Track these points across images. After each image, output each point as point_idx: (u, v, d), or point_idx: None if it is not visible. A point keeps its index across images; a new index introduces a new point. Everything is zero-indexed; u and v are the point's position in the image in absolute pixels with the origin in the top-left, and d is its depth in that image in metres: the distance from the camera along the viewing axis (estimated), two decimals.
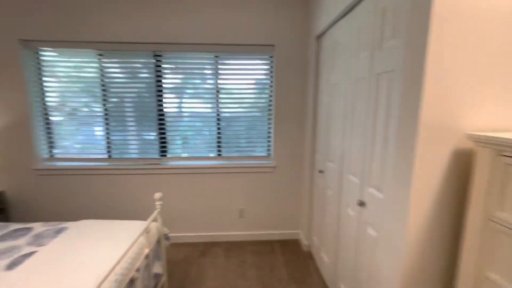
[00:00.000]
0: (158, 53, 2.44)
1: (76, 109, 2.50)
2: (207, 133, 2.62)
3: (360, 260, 1.48)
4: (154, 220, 1.81)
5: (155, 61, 2.45)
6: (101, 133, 2.55)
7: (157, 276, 1.77)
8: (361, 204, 1.44)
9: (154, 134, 2.57)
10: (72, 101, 2.48)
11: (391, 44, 1.17)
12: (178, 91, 2.55)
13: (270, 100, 2.59)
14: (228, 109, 2.58)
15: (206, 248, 2.60)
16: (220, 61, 2.50)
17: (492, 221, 0.85)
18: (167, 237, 1.97)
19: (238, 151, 2.67)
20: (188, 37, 2.37)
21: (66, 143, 2.55)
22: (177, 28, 2.35)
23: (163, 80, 2.50)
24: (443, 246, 1.07)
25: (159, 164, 2.59)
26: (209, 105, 2.56)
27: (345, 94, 1.70)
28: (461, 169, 1.01)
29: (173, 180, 2.59)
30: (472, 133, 0.92)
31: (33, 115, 2.42)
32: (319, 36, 2.22)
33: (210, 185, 2.63)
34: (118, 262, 1.23)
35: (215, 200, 2.66)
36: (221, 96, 2.55)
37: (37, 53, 2.38)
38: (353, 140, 1.58)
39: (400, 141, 1.10)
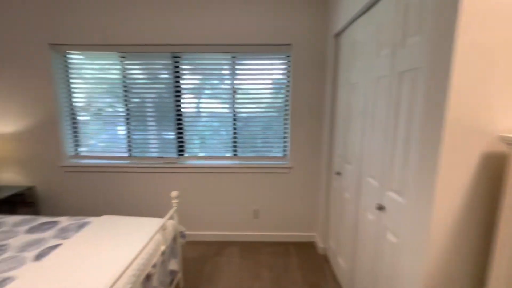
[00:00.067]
0: (176, 55, 2.50)
1: (101, 109, 2.62)
2: (224, 133, 2.64)
3: (379, 266, 1.42)
4: (171, 218, 1.84)
5: (173, 62, 2.51)
6: (123, 132, 2.65)
7: (172, 272, 1.80)
8: (380, 208, 1.38)
9: (173, 133, 2.63)
10: (97, 102, 2.60)
11: (414, 41, 1.11)
12: (195, 91, 2.59)
13: (287, 100, 2.56)
14: (245, 109, 2.58)
15: (221, 247, 2.61)
16: (237, 61, 2.51)
17: None
18: (183, 235, 2.00)
19: (254, 151, 2.66)
20: (205, 38, 2.41)
21: (91, 142, 2.68)
22: (195, 30, 2.39)
23: (181, 81, 2.55)
24: (470, 255, 1.00)
25: (177, 163, 2.64)
26: (226, 105, 2.58)
27: (364, 93, 1.64)
28: (492, 173, 0.94)
29: (190, 179, 2.64)
30: (506, 135, 0.85)
31: (61, 115, 2.56)
32: (338, 35, 2.16)
33: (225, 185, 2.65)
34: (136, 258, 1.27)
35: (230, 200, 2.68)
36: (237, 96, 2.56)
37: (65, 56, 2.52)
38: (373, 141, 1.52)
39: (423, 143, 1.04)
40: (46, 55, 2.44)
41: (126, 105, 2.59)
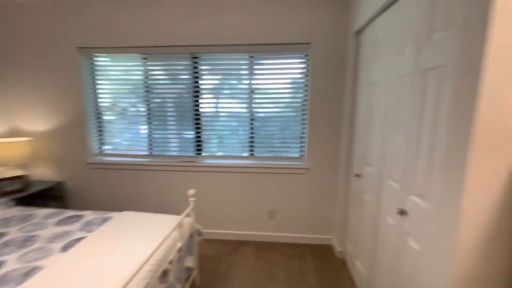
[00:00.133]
0: (195, 55, 2.54)
1: (125, 109, 2.73)
2: (241, 132, 2.65)
3: (400, 274, 1.36)
4: (188, 215, 1.88)
5: (192, 62, 2.56)
6: (145, 131, 2.74)
7: (189, 269, 1.84)
8: (402, 212, 1.31)
9: (192, 133, 2.68)
10: (121, 102, 2.71)
11: (441, 36, 1.05)
12: (214, 91, 2.62)
13: (305, 100, 2.52)
14: (262, 109, 2.58)
15: (236, 246, 2.63)
16: (255, 61, 2.51)
17: None
18: (199, 233, 2.04)
19: (270, 151, 2.65)
20: (223, 39, 2.43)
21: (115, 140, 2.80)
22: (213, 30, 2.42)
23: (200, 81, 2.59)
24: (503, 264, 0.92)
25: (195, 162, 2.69)
26: (244, 105, 2.59)
27: (386, 92, 1.57)
28: None
29: (207, 177, 2.68)
30: None
31: (87, 114, 2.70)
32: (358, 32, 2.09)
33: (242, 184, 2.66)
34: (153, 254, 1.31)
35: (247, 199, 2.68)
36: (254, 96, 2.56)
37: (92, 58, 2.65)
38: (395, 143, 1.45)
39: (451, 145, 0.97)
40: (75, 58, 2.58)
41: (147, 105, 2.67)
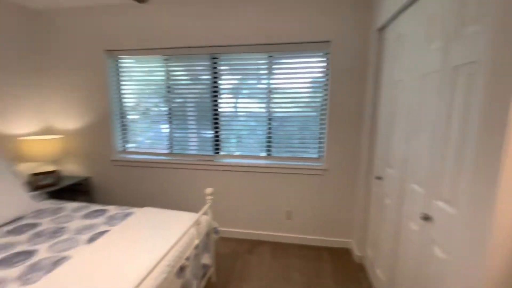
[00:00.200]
0: (214, 56, 2.58)
1: (147, 108, 2.83)
2: (259, 132, 2.64)
3: (423, 283, 1.28)
4: (205, 213, 1.91)
5: (211, 63, 2.60)
6: (166, 130, 2.83)
7: (205, 266, 1.87)
8: (426, 218, 1.24)
9: (211, 132, 2.73)
10: (144, 102, 2.82)
11: (473, 31, 0.98)
12: (232, 91, 2.64)
13: (325, 99, 2.47)
14: (280, 108, 2.56)
15: (253, 245, 2.63)
16: (274, 61, 2.50)
17: None
18: (216, 231, 2.06)
19: (288, 151, 2.62)
20: (242, 38, 2.44)
21: (138, 139, 2.92)
22: (232, 31, 2.44)
23: (219, 81, 2.63)
24: None
25: (213, 160, 2.73)
26: (262, 105, 2.58)
27: (410, 91, 1.50)
28: None
29: (224, 176, 2.70)
30: None
31: (113, 114, 2.83)
32: (381, 29, 2.01)
33: (259, 184, 2.66)
34: (170, 250, 1.34)
35: (263, 199, 2.68)
36: (273, 95, 2.55)
37: (117, 60, 2.78)
38: (419, 144, 1.38)
39: (482, 147, 0.90)
40: (103, 61, 2.72)
41: (169, 104, 2.76)
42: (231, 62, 2.59)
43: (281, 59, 2.49)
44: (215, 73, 2.62)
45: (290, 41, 2.37)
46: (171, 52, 2.62)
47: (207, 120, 2.71)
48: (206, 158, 2.76)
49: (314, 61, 2.45)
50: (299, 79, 2.48)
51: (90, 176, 2.97)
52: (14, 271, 1.34)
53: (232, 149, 2.75)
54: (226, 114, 2.68)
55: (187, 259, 1.55)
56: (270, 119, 2.60)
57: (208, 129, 2.73)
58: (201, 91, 2.66)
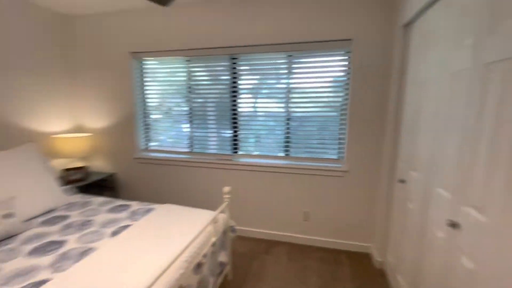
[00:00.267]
0: (234, 56, 2.61)
1: (170, 108, 2.92)
2: (278, 132, 2.63)
3: None
4: (222, 211, 1.94)
5: (231, 63, 2.63)
6: (187, 129, 2.90)
7: (222, 264, 1.89)
8: (453, 225, 1.17)
9: (230, 132, 2.76)
10: (166, 102, 2.91)
11: (509, 25, 0.90)
12: (251, 91, 2.66)
13: (346, 99, 2.40)
14: (299, 108, 2.53)
15: (269, 245, 2.63)
16: (293, 60, 2.47)
17: None
18: (233, 229, 2.08)
19: (307, 152, 2.59)
20: (261, 38, 2.44)
21: (160, 137, 3.02)
22: (251, 30, 2.45)
23: (238, 81, 2.65)
24: None
25: (231, 160, 2.76)
26: (281, 105, 2.57)
27: (437, 90, 1.42)
28: None
29: (242, 176, 2.72)
30: None
31: (136, 113, 2.95)
32: (406, 25, 1.92)
33: (276, 184, 2.65)
34: (188, 246, 1.37)
35: (281, 199, 2.66)
36: (292, 95, 2.53)
37: (141, 62, 2.90)
38: (446, 146, 1.30)
39: None
40: (128, 62, 2.85)
41: (189, 104, 2.83)
42: (251, 62, 2.60)
43: (301, 58, 2.46)
44: (234, 73, 2.64)
45: (310, 39, 2.34)
46: (192, 54, 2.68)
47: (226, 119, 2.74)
48: (224, 157, 2.80)
49: (335, 60, 2.39)
50: (319, 78, 2.44)
51: (115, 173, 3.13)
52: (47, 259, 1.44)
53: (250, 148, 2.76)
54: (245, 114, 2.69)
55: (204, 256, 1.58)
56: (288, 119, 2.58)
57: (227, 129, 2.76)
58: (220, 91, 2.70)
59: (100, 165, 3.17)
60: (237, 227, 2.82)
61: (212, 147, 2.85)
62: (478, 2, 1.08)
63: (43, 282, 1.26)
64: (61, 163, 2.87)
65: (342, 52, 2.35)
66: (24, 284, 1.25)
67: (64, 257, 1.46)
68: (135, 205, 2.19)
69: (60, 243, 1.60)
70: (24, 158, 2.12)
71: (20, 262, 1.42)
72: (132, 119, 2.95)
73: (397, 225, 1.98)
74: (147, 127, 3.03)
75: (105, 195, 3.04)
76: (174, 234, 1.68)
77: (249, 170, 2.70)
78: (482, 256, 0.99)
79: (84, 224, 1.85)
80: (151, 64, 2.89)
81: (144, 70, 2.91)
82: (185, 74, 2.78)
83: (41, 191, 2.05)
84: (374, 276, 2.18)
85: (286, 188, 2.63)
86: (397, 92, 2.05)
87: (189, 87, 2.79)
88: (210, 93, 2.74)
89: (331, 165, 2.51)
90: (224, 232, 1.95)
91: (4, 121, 2.36)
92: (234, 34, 2.50)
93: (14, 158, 2.06)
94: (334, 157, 2.53)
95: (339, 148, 2.50)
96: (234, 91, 2.67)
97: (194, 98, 2.80)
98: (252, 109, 2.68)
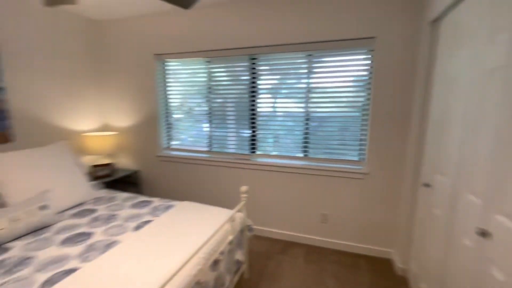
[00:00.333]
0: (253, 56, 2.62)
1: (191, 108, 3.00)
2: (297, 132, 2.61)
3: None
4: (239, 210, 1.96)
5: (250, 63, 2.64)
6: (207, 129, 2.97)
7: (238, 262, 1.91)
8: (484, 234, 1.10)
9: (248, 131, 2.78)
10: (187, 102, 2.99)
11: None
12: (270, 91, 2.66)
13: (368, 99, 2.33)
14: (319, 108, 2.49)
15: (286, 246, 2.61)
16: (313, 59, 2.44)
17: None
18: (250, 229, 2.10)
19: (326, 152, 2.54)
20: (281, 38, 2.43)
21: (181, 136, 3.12)
22: (271, 30, 2.44)
23: (258, 81, 2.66)
24: None
25: (249, 159, 2.78)
26: (299, 105, 2.55)
27: (468, 89, 1.33)
28: None
29: (260, 175, 2.73)
30: None
31: (159, 113, 3.06)
32: (434, 22, 1.82)
33: (294, 185, 2.63)
34: (205, 243, 1.40)
35: (298, 200, 2.64)
36: (311, 95, 2.49)
37: (164, 63, 3.00)
38: (477, 149, 1.22)
39: None
40: (152, 63, 2.96)
41: (209, 104, 2.88)
42: (270, 62, 2.60)
43: (321, 57, 2.42)
44: (254, 73, 2.66)
45: (331, 38, 2.29)
46: (213, 54, 2.73)
47: (244, 119, 2.76)
48: (243, 157, 2.82)
49: (357, 59, 2.32)
50: (340, 77, 2.38)
51: (139, 170, 3.27)
52: (76, 249, 1.54)
53: (268, 148, 2.76)
54: (264, 113, 2.70)
55: (221, 253, 1.61)
56: (308, 119, 2.55)
57: (246, 129, 2.78)
58: (240, 91, 2.73)
59: (125, 162, 3.33)
60: (254, 227, 2.84)
61: (231, 146, 2.89)
62: None
63: (73, 270, 1.35)
64: (89, 160, 3.05)
65: (365, 51, 2.28)
66: (57, 271, 1.34)
67: (92, 248, 1.56)
68: (156, 202, 2.27)
69: (88, 235, 1.71)
70: (57, 154, 2.28)
71: (53, 251, 1.53)
72: (155, 118, 3.07)
73: (421, 231, 1.89)
74: (169, 126, 3.14)
75: (129, 191, 3.19)
76: (192, 230, 1.73)
77: (267, 170, 2.70)
78: None
79: (110, 218, 1.96)
80: (173, 65, 2.98)
81: (167, 71, 3.02)
82: (205, 74, 2.84)
83: (72, 186, 2.19)
84: (396, 283, 2.09)
85: (304, 189, 2.60)
86: (423, 92, 1.95)
87: (209, 88, 2.84)
88: (230, 93, 2.78)
89: (351, 166, 2.45)
90: (241, 231, 1.97)
91: (41, 120, 2.55)
92: (253, 35, 2.51)
93: (49, 154, 2.22)
94: (355, 158, 2.46)
95: (360, 150, 2.43)
96: (253, 91, 2.69)
97: (214, 98, 2.85)
98: (271, 109, 2.68)
